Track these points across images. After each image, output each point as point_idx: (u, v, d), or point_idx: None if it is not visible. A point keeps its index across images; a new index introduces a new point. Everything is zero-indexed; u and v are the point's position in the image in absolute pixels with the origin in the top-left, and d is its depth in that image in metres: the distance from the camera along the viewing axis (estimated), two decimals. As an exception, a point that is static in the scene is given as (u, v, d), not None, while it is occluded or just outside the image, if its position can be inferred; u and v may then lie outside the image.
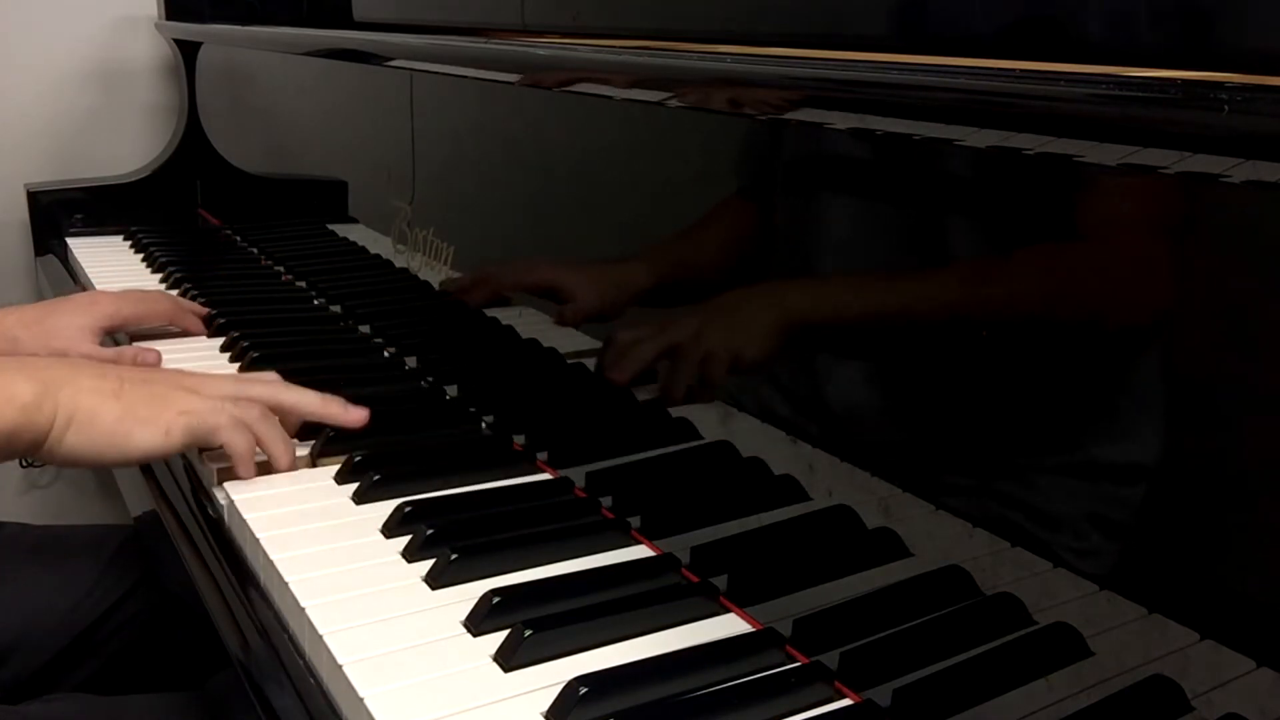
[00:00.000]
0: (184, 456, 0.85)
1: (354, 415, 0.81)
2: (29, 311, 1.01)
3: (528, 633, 0.57)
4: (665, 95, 0.68)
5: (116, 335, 1.05)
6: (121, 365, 0.80)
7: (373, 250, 1.13)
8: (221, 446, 0.75)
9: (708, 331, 0.69)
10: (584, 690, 0.53)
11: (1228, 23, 0.45)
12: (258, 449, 0.77)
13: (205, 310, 1.12)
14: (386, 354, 1.03)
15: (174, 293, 1.22)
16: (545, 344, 0.83)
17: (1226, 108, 0.38)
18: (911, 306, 0.56)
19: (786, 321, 0.64)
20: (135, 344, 1.01)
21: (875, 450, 0.58)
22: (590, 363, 0.79)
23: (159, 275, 1.34)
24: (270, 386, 0.81)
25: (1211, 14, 0.46)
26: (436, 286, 0.99)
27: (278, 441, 0.77)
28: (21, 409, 0.69)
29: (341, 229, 1.22)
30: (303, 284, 1.27)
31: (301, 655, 0.61)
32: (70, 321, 0.99)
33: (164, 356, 0.98)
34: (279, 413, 0.79)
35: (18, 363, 0.74)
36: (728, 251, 0.69)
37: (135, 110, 1.73)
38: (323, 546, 0.68)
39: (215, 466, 0.78)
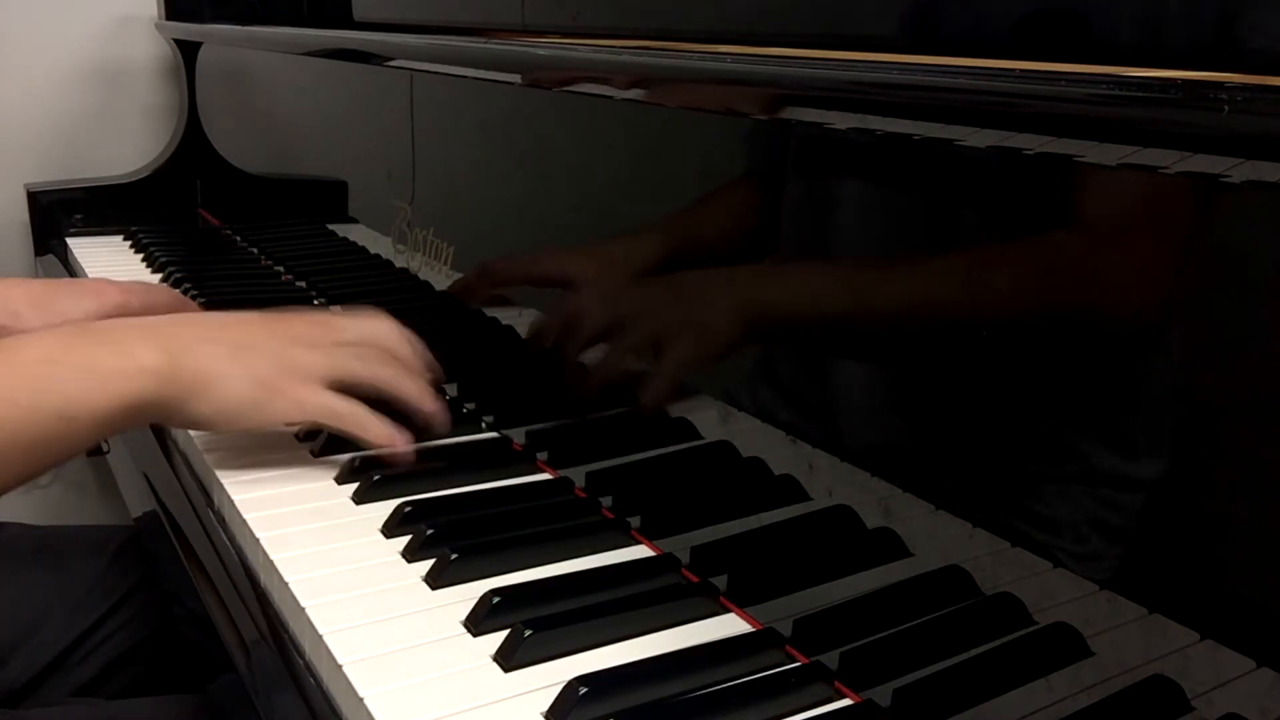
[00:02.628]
0: (183, 454, 0.85)
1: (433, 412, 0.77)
2: (35, 288, 1.01)
3: (528, 633, 0.57)
4: (665, 95, 0.68)
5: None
6: (220, 317, 0.77)
7: (373, 250, 1.13)
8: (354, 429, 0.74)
9: (674, 310, 0.69)
10: (584, 690, 0.53)
11: (1228, 23, 0.45)
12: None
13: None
14: (386, 354, 1.02)
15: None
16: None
17: (1226, 108, 0.38)
18: (911, 308, 0.56)
19: (765, 313, 0.64)
20: None
21: (875, 450, 0.58)
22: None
23: (159, 275, 1.34)
24: (391, 354, 0.76)
25: (1212, 14, 0.46)
26: (436, 286, 0.99)
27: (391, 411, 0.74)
28: (155, 376, 0.68)
29: (341, 229, 1.22)
30: (303, 284, 1.27)
31: (301, 655, 0.61)
32: (77, 305, 0.98)
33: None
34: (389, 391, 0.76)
35: (135, 327, 0.71)
36: (726, 247, 0.69)
37: (135, 110, 1.73)
38: (323, 546, 0.68)
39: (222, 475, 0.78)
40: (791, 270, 0.64)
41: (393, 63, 1.02)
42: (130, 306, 1.04)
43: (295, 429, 0.82)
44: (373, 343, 0.77)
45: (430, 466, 0.78)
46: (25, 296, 0.97)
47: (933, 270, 0.55)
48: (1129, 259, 0.46)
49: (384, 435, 0.74)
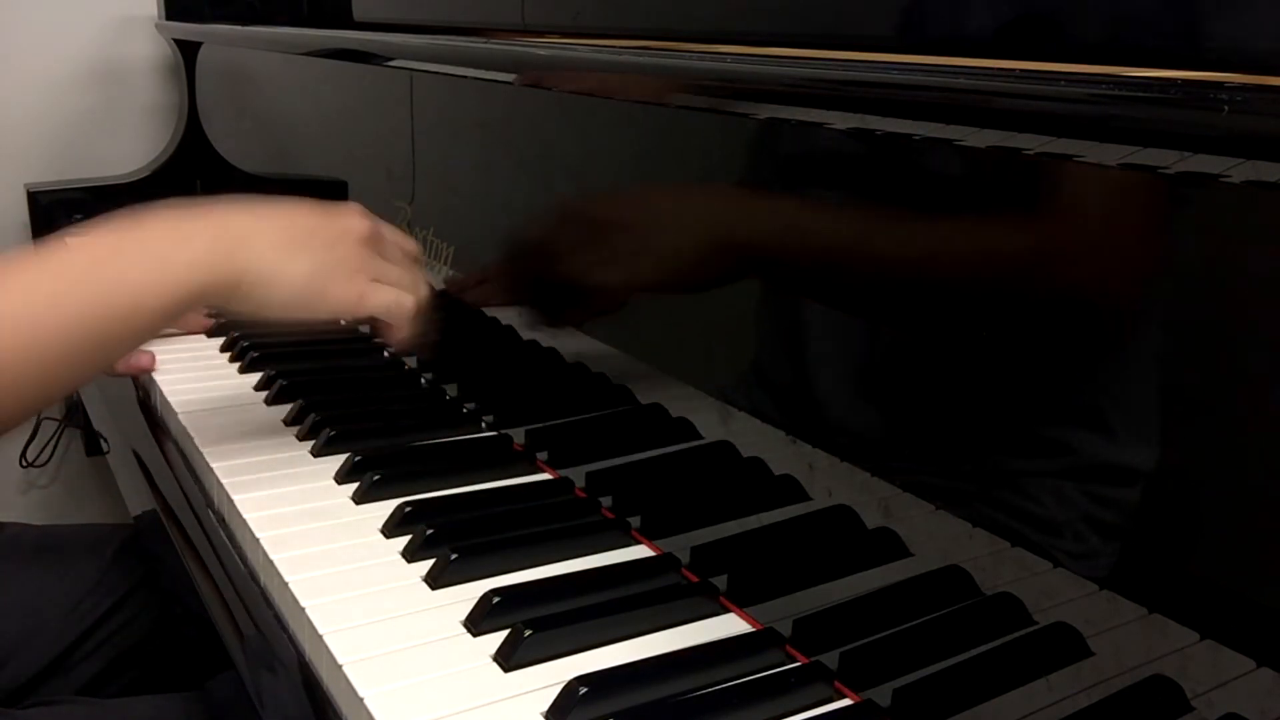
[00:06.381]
0: (183, 454, 0.85)
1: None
2: None
3: (528, 633, 0.57)
4: (665, 95, 0.68)
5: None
6: (271, 209, 0.78)
7: (373, 250, 1.13)
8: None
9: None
10: (584, 690, 0.53)
11: (1228, 23, 0.45)
12: None
13: None
14: (386, 354, 1.03)
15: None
16: (545, 344, 0.83)
17: (1226, 108, 0.38)
18: (908, 307, 0.56)
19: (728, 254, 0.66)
20: None
21: (875, 450, 0.58)
22: (592, 363, 0.79)
23: (159, 275, 1.34)
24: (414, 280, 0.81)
25: (1211, 14, 0.46)
26: (436, 286, 0.99)
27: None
28: (213, 268, 0.70)
29: (341, 229, 1.22)
30: (303, 284, 1.26)
31: (301, 655, 0.61)
32: None
33: (164, 356, 0.99)
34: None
35: (193, 218, 0.73)
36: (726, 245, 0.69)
37: (135, 110, 1.73)
38: (322, 546, 0.68)
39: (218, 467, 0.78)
40: (789, 265, 0.64)
41: (393, 63, 1.02)
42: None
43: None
44: (398, 244, 0.81)
45: (430, 466, 0.78)
46: None
47: (930, 270, 0.55)
48: (1126, 257, 0.46)
49: (409, 337, 0.79)
